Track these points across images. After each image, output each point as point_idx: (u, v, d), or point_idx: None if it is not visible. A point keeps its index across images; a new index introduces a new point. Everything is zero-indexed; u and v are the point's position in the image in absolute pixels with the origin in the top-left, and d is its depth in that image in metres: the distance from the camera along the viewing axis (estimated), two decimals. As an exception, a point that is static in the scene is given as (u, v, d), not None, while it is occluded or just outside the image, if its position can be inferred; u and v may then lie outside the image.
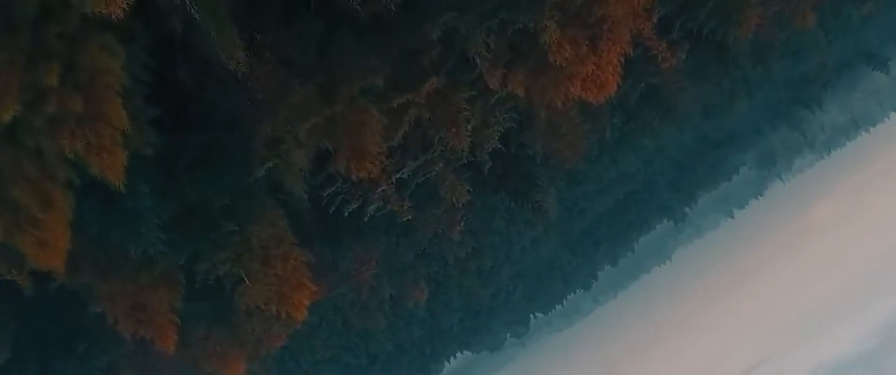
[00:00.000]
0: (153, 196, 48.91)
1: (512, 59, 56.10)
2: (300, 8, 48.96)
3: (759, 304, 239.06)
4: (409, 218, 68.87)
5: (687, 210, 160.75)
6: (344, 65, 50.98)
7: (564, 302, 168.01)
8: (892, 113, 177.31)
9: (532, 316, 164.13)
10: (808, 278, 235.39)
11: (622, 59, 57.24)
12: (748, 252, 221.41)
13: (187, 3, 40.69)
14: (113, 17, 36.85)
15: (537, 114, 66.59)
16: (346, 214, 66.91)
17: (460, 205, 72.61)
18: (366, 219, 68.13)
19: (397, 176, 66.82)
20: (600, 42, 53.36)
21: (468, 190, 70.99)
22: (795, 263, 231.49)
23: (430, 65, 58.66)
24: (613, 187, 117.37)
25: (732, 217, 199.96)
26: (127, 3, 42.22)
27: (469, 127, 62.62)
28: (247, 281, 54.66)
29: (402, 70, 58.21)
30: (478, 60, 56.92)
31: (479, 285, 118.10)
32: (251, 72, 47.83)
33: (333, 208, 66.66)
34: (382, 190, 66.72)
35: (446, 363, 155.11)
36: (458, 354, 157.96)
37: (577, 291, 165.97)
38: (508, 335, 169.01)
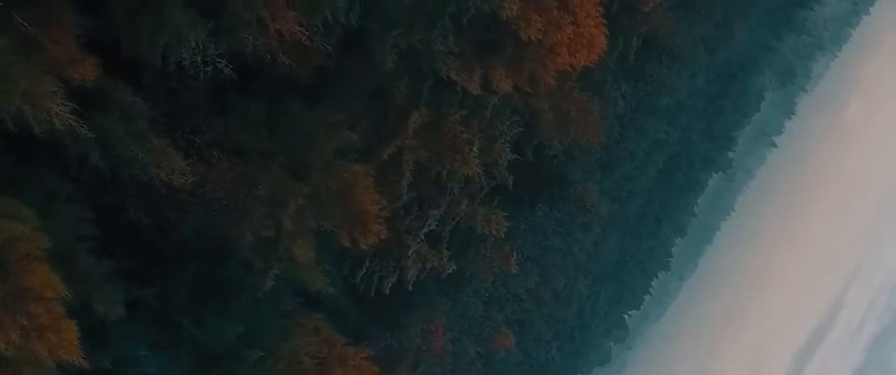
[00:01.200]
0: (157, 355, 40.50)
1: (484, 55, 47.61)
2: (229, 90, 40.55)
3: (832, 219, 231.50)
4: (454, 269, 60.57)
5: (730, 155, 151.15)
6: (304, 132, 42.53)
7: (651, 290, 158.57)
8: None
9: (626, 317, 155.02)
10: (868, 176, 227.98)
11: (601, 9, 48.56)
12: (802, 173, 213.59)
13: (79, 131, 32.10)
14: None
15: (539, 107, 58.07)
16: (388, 291, 58.74)
17: (503, 236, 64.37)
18: (411, 288, 59.87)
19: (425, 230, 58.84)
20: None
21: (505, 217, 62.96)
22: (850, 166, 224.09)
23: (404, 100, 50.35)
24: (651, 159, 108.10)
25: (775, 146, 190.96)
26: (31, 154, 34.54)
27: (475, 149, 54.31)
28: (302, 405, 45.89)
29: (376, 116, 49.99)
30: (451, 74, 48.53)
31: (561, 307, 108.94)
32: (204, 179, 39.43)
33: (373, 289, 58.52)
34: (415, 252, 58.55)
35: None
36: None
37: (659, 275, 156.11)
38: (611, 343, 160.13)
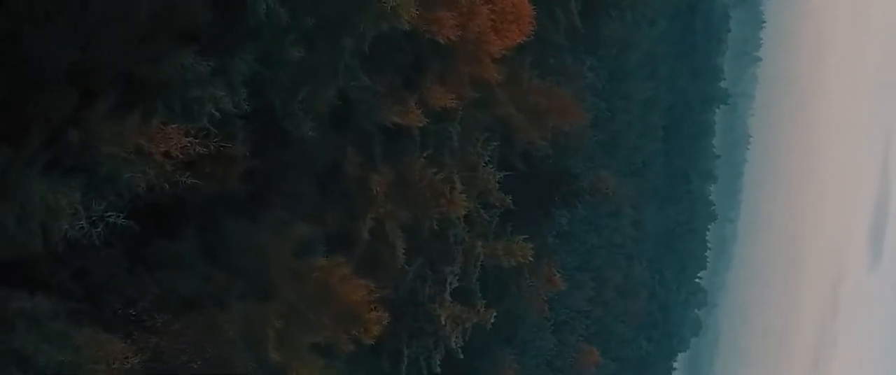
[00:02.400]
0: None
1: (414, 80, 40.11)
2: (149, 240, 32.97)
3: (843, 96, 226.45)
4: (495, 315, 52.78)
5: (723, 85, 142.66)
6: (252, 249, 34.88)
7: (708, 244, 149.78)
8: None
9: (698, 280, 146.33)
10: (858, 40, 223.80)
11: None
12: (797, 73, 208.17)
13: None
14: None
15: (505, 112, 50.50)
16: (438, 368, 51.09)
17: (532, 259, 56.70)
18: (464, 354, 52.20)
19: (449, 291, 51.34)
20: (470, -22, 37.09)
21: (526, 240, 55.46)
22: (838, 41, 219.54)
23: (358, 168, 42.92)
24: (649, 121, 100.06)
25: (760, 59, 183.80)
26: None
27: (457, 185, 46.85)
28: None
29: (336, 197, 42.60)
30: (391, 116, 41.10)
31: (631, 301, 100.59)
32: (157, 350, 31.74)
33: (425, 373, 50.92)
34: (448, 317, 51.01)
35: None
36: (675, 363, 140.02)
37: (709, 227, 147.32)
38: (696, 311, 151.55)
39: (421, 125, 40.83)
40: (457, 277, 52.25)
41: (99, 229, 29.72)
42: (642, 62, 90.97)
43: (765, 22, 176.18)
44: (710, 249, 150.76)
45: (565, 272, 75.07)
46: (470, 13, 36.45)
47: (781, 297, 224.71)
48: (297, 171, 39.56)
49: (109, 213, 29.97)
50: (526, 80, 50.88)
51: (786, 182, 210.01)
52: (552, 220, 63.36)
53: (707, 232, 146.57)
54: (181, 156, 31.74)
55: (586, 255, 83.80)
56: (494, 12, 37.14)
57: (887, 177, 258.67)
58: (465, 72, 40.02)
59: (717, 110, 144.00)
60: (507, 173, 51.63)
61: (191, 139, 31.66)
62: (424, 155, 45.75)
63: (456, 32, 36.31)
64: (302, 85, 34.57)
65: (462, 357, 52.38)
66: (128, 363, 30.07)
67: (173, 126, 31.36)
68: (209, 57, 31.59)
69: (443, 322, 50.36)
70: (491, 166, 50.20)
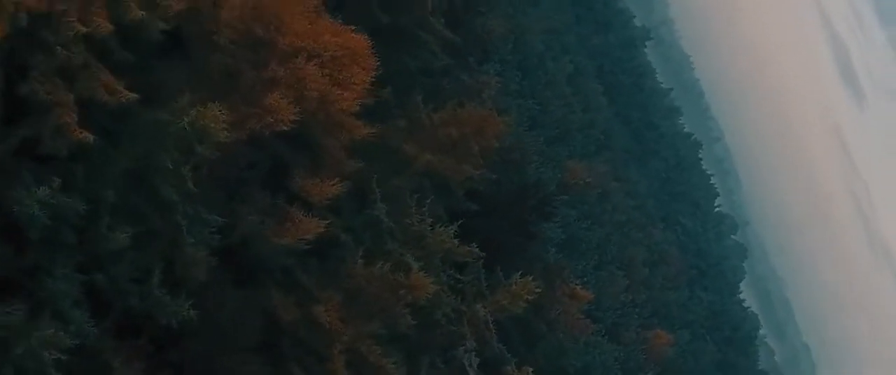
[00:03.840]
0: None
1: (286, 187, 32.25)
2: None
3: None
4: (533, 371, 45.08)
5: (637, 24, 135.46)
6: None
7: (708, 171, 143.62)
8: None
9: (717, 209, 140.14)
10: None
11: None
12: None
13: None
14: None
15: (423, 163, 42.66)
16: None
17: (541, 290, 48.80)
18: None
19: (475, 370, 44.17)
20: (277, 44, 29.14)
21: (523, 275, 47.48)
22: None
23: (291, 310, 35.07)
24: (586, 93, 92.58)
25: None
26: None
27: (413, 266, 38.94)
28: None
29: (290, 354, 34.70)
30: (282, 238, 33.23)
31: (666, 266, 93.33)
32: None
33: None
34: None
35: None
36: (741, 295, 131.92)
37: (700, 155, 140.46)
38: (731, 237, 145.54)
39: (323, 229, 32.83)
40: (474, 353, 44.62)
41: None
42: (546, 42, 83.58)
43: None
44: (712, 175, 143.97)
45: (586, 277, 67.77)
46: (298, 80, 28.62)
47: (799, 179, 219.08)
48: (221, 354, 31.61)
49: None
50: (425, 119, 43.09)
51: (745, 78, 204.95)
52: (540, 239, 55.30)
53: (700, 162, 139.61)
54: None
55: (599, 250, 75.63)
56: (324, 65, 29.27)
57: (828, 21, 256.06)
58: (333, 145, 32.16)
59: (645, 50, 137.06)
60: (461, 222, 43.61)
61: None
62: (361, 254, 37.82)
63: (295, 110, 28.47)
64: (150, 267, 26.59)
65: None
66: None
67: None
68: (15, 298, 23.79)
69: (481, 400, 42.82)
70: (439, 226, 42.26)
